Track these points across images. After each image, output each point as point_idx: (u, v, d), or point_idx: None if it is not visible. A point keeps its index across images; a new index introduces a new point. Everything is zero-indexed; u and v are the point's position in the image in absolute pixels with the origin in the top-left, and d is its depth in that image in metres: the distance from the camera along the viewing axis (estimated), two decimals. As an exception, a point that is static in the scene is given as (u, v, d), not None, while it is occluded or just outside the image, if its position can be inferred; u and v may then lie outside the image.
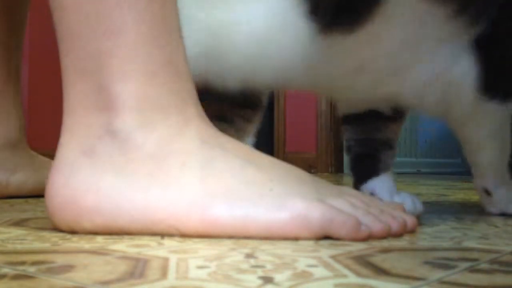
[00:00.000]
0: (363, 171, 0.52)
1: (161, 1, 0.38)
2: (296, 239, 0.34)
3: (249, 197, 0.34)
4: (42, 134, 2.39)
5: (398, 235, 0.36)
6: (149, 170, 0.35)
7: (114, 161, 0.36)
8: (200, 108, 0.39)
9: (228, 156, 0.37)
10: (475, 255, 0.30)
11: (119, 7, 0.36)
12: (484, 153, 0.51)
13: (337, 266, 0.26)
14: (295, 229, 0.34)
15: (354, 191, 0.40)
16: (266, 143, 2.69)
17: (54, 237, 0.35)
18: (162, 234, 0.35)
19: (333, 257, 0.28)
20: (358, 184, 0.53)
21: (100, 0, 0.36)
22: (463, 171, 3.23)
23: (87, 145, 0.36)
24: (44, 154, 0.76)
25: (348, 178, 1.70)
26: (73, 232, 0.36)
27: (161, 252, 0.29)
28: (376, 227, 0.35)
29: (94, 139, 0.36)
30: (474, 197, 0.80)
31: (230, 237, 0.34)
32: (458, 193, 0.90)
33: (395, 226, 0.36)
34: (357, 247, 0.32)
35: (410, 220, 0.38)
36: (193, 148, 0.36)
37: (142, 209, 0.35)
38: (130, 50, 0.36)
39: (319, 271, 0.25)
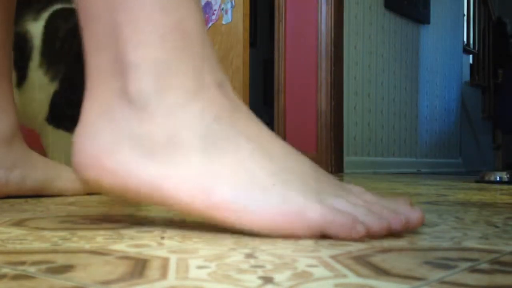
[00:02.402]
0: None
1: None
2: (293, 237, 0.34)
3: (251, 188, 0.35)
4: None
5: (400, 231, 0.36)
6: (161, 141, 0.36)
7: (131, 128, 0.37)
8: (219, 75, 0.39)
9: (239, 139, 0.37)
10: (475, 255, 0.30)
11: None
12: None
13: (337, 266, 0.26)
14: (294, 227, 0.34)
15: (357, 188, 0.40)
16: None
17: (54, 237, 0.35)
18: (169, 208, 0.38)
19: (333, 257, 0.28)
20: None
21: None
22: (463, 171, 3.24)
23: (107, 111, 0.38)
24: (43, 154, 0.75)
25: (348, 178, 1.70)
26: (93, 191, 0.43)
27: (161, 252, 0.29)
28: (375, 225, 0.34)
29: (113, 105, 0.38)
30: (474, 197, 0.80)
31: (229, 224, 0.35)
32: (458, 193, 0.90)
33: (396, 223, 0.35)
34: (357, 247, 0.32)
35: (415, 215, 0.37)
36: (204, 125, 0.37)
37: (152, 180, 0.36)
38: (143, 21, 0.38)
39: (319, 271, 0.25)
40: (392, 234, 0.36)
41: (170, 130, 0.37)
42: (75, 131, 0.41)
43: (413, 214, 0.37)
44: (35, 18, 0.92)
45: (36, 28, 0.91)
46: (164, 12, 0.38)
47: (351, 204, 0.36)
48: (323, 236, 0.34)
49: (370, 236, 0.34)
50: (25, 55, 0.91)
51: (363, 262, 0.27)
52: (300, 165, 0.38)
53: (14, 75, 0.90)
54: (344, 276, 0.24)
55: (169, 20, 0.38)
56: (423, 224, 0.40)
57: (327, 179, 0.39)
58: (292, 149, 0.40)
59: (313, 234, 0.34)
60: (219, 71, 0.40)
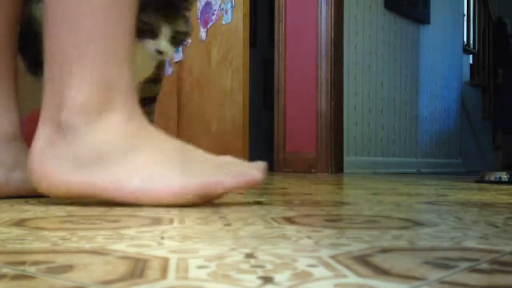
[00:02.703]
0: None
1: (115, 40, 0.56)
2: (182, 201, 0.54)
3: (156, 177, 0.53)
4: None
5: (247, 186, 0.57)
6: (88, 156, 0.53)
7: (67, 151, 0.54)
8: (135, 112, 0.57)
9: (145, 147, 0.54)
10: (475, 255, 0.30)
11: (84, 39, 0.54)
12: None
13: (337, 266, 0.26)
14: (183, 190, 0.53)
15: (231, 160, 0.60)
16: (266, 143, 2.68)
17: (54, 237, 0.35)
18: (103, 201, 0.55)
19: (333, 257, 0.28)
20: None
21: (71, 31, 0.54)
22: (463, 171, 3.24)
23: (50, 137, 0.54)
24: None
25: (349, 179, 1.70)
26: (49, 196, 0.57)
27: (161, 252, 0.29)
28: (229, 183, 0.55)
29: (53, 132, 0.55)
30: (474, 197, 0.80)
31: (144, 202, 0.54)
32: (458, 193, 0.90)
33: (240, 181, 0.55)
34: (357, 247, 0.32)
35: (255, 175, 0.57)
36: (119, 140, 0.53)
37: (83, 183, 0.53)
38: (80, 70, 0.54)
39: (319, 271, 0.25)
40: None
41: (93, 146, 0.53)
42: (28, 155, 0.56)
43: (254, 174, 0.57)
44: (37, 1, 0.91)
45: (39, 11, 0.89)
46: (96, 66, 0.54)
47: (219, 171, 0.55)
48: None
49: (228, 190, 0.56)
50: (36, 42, 0.89)
51: (363, 262, 0.27)
52: (191, 156, 0.57)
53: (22, 62, 0.89)
54: (344, 276, 0.24)
55: (99, 73, 0.54)
56: (261, 181, 0.58)
57: (206, 159, 0.58)
58: (188, 146, 0.59)
59: (196, 194, 0.54)
60: (134, 110, 0.57)
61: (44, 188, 0.56)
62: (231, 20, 2.57)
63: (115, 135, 0.54)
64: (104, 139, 0.53)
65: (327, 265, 0.26)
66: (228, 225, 0.42)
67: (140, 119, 0.57)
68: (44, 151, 0.55)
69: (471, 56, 3.98)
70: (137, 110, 0.57)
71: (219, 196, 0.57)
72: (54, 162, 0.54)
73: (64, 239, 0.34)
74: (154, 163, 0.53)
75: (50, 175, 0.54)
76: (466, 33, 3.87)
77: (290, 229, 0.40)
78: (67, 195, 0.55)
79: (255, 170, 0.58)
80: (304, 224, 0.43)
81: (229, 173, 0.56)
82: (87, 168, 0.53)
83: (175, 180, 0.53)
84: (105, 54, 0.55)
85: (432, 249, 0.32)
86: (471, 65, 3.98)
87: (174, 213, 0.52)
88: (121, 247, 0.31)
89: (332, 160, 2.40)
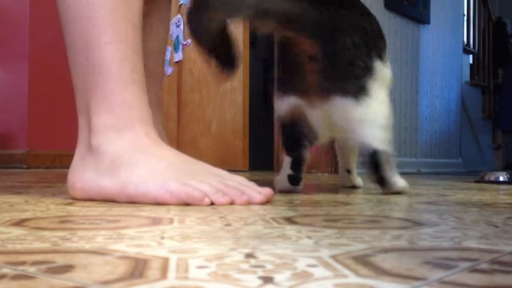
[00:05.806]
0: None
1: (132, 67, 0.66)
2: (167, 204, 0.59)
3: (148, 182, 0.61)
4: (42, 134, 2.38)
5: (241, 204, 0.60)
6: (106, 167, 0.63)
7: (92, 163, 0.65)
8: (147, 127, 0.66)
9: (150, 160, 0.63)
10: (475, 255, 0.30)
11: (102, 75, 0.64)
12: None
13: (337, 266, 0.26)
14: (165, 196, 0.59)
15: (226, 175, 0.65)
16: (267, 143, 2.68)
17: (54, 237, 0.35)
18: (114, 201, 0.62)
19: (333, 257, 0.28)
20: None
21: (89, 69, 0.65)
22: (463, 171, 3.23)
23: (82, 154, 0.67)
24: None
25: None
26: (76, 199, 0.66)
27: (161, 252, 0.29)
28: (220, 199, 0.59)
29: (85, 150, 0.66)
30: (474, 197, 0.80)
31: (142, 202, 0.61)
32: (458, 193, 0.90)
33: (238, 200, 0.60)
34: (357, 247, 0.32)
35: (257, 197, 0.62)
36: (130, 154, 0.63)
37: (102, 188, 0.63)
38: (101, 99, 0.64)
39: (319, 271, 0.25)
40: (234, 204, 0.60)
41: (112, 160, 0.63)
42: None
43: (254, 195, 0.62)
44: None
45: None
46: (115, 93, 0.64)
47: (209, 186, 0.60)
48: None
49: (215, 204, 0.59)
50: None
51: (363, 262, 0.27)
52: (189, 166, 0.65)
53: None
54: (344, 276, 0.24)
55: (118, 98, 0.65)
56: (267, 201, 0.63)
57: (204, 172, 0.64)
58: (190, 158, 0.67)
59: (178, 201, 0.59)
60: (148, 125, 0.66)
61: (73, 192, 0.66)
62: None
63: (128, 150, 0.63)
64: (119, 153, 0.63)
65: (327, 265, 0.26)
66: (228, 225, 0.42)
67: (154, 135, 0.67)
68: (76, 165, 0.66)
69: (471, 56, 3.98)
70: (152, 127, 0.67)
71: (201, 204, 0.59)
72: (82, 173, 0.65)
73: (64, 239, 0.34)
74: (154, 173, 0.62)
75: (78, 183, 0.65)
76: (466, 33, 3.87)
77: (290, 229, 0.40)
78: (89, 197, 0.64)
79: (258, 194, 0.62)
80: (304, 224, 0.43)
81: (224, 190, 0.60)
82: (104, 176, 0.63)
83: (165, 184, 0.60)
84: (120, 81, 0.65)
85: (432, 249, 0.32)
86: (471, 65, 3.98)
87: (174, 213, 0.52)
88: (121, 247, 0.31)
89: (332, 160, 2.39)
